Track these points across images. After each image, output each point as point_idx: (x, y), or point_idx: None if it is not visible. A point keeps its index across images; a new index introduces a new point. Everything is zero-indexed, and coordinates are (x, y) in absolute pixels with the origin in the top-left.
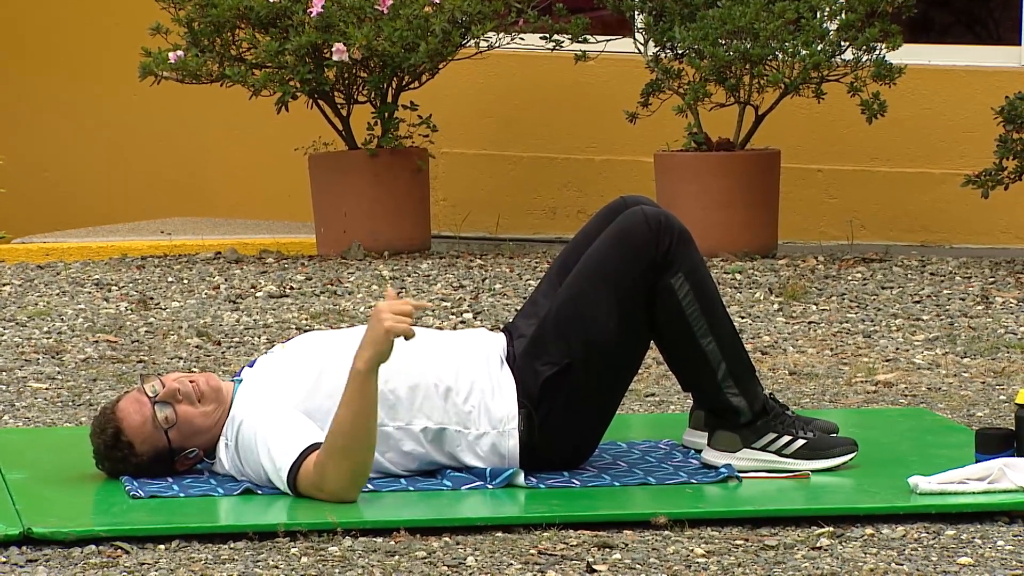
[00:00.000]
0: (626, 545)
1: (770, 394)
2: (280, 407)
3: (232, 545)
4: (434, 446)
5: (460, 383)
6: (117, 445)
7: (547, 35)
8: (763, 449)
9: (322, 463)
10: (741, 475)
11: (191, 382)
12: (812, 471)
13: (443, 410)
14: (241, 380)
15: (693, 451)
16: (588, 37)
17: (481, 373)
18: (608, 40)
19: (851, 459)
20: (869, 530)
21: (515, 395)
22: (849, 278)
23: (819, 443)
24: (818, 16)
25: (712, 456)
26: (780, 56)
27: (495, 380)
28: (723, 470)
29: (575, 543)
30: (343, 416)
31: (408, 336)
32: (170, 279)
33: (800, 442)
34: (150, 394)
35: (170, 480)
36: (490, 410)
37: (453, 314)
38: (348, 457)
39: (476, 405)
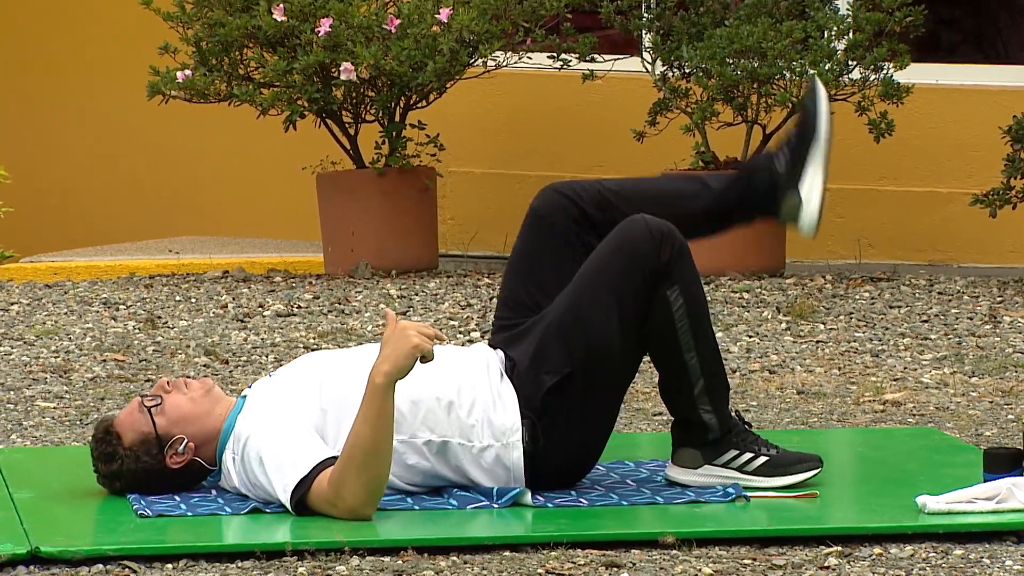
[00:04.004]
0: (634, 564)
1: (736, 412)
2: (289, 422)
3: (239, 564)
4: (439, 459)
5: (462, 397)
6: (106, 438)
7: (555, 54)
8: (724, 466)
9: (339, 478)
10: (749, 495)
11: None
12: (774, 488)
13: (446, 423)
14: (245, 397)
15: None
16: (596, 56)
17: (482, 386)
18: (616, 59)
19: (814, 476)
20: (877, 549)
21: (517, 407)
22: (857, 297)
23: (781, 460)
24: (826, 36)
25: (675, 473)
26: (788, 75)
27: (496, 392)
28: (731, 490)
29: (583, 562)
30: (362, 431)
31: (428, 358)
32: (178, 298)
33: (762, 459)
34: (147, 404)
35: (177, 499)
36: (493, 423)
37: (461, 332)
38: (367, 471)
39: (479, 419)
